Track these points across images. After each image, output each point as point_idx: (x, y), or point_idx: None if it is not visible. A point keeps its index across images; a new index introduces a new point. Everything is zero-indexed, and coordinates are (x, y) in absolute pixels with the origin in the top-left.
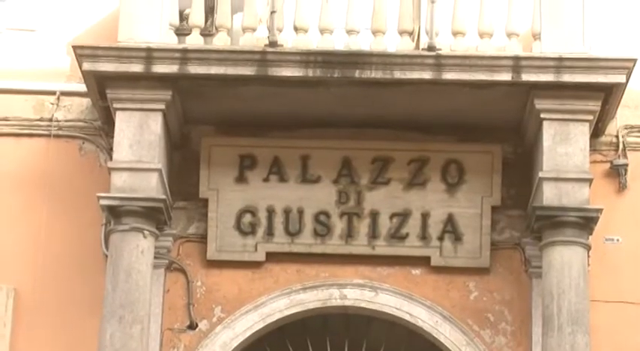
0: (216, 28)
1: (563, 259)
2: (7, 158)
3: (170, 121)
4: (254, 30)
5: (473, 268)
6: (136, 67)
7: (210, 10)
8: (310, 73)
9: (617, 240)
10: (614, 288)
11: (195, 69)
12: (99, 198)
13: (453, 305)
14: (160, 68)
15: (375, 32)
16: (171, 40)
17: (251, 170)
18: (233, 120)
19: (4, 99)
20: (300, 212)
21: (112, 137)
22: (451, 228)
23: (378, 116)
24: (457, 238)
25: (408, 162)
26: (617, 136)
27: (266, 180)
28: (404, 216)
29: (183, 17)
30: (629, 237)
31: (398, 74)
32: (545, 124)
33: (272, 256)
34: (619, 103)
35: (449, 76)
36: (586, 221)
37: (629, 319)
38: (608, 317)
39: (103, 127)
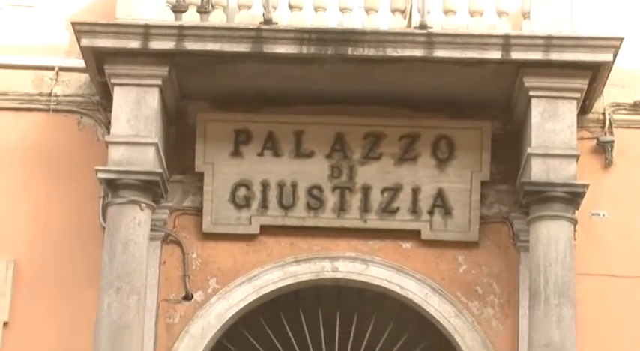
0: (212, 6)
1: (550, 234)
2: (7, 132)
3: (167, 96)
4: (249, 7)
5: (462, 241)
6: (134, 44)
7: None
8: (304, 50)
9: (603, 215)
10: (599, 261)
11: (191, 45)
12: (97, 171)
13: (442, 278)
14: (157, 45)
15: (367, 10)
16: (168, 17)
17: (246, 145)
18: (228, 96)
19: (3, 74)
20: (294, 186)
21: (110, 112)
22: (441, 202)
23: (370, 93)
24: (447, 212)
25: (399, 138)
26: (603, 114)
27: (260, 155)
28: (395, 190)
29: None
30: (615, 212)
31: (390, 52)
32: (533, 101)
33: (266, 229)
34: (606, 81)
35: (440, 53)
36: (573, 196)
37: (614, 292)
38: (594, 290)
39: (101, 101)
